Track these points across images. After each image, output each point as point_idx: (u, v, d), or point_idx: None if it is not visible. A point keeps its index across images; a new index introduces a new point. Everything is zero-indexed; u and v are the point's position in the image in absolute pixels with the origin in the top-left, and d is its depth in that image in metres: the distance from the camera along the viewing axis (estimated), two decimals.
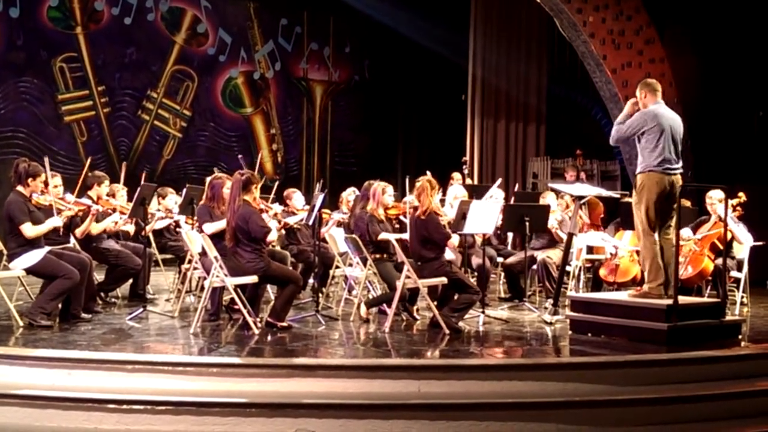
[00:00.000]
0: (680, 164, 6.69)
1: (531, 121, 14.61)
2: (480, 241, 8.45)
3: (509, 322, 7.46)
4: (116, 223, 8.02)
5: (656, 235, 6.76)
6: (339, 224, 8.85)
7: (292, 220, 8.77)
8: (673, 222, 6.70)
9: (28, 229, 6.65)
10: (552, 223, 8.66)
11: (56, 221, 6.77)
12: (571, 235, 7.63)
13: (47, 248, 6.76)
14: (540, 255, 8.59)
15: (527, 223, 8.15)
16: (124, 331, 6.70)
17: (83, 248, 7.55)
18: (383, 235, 7.48)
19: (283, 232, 8.80)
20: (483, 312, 7.53)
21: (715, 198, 8.13)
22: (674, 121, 6.70)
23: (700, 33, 11.90)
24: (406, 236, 7.38)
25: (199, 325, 6.76)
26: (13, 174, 6.86)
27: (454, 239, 7.23)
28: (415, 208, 7.19)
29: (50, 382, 5.20)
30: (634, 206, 6.76)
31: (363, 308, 7.35)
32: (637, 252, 7.61)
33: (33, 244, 6.74)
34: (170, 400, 4.99)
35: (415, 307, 7.55)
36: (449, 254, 8.01)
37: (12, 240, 6.73)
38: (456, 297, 7.08)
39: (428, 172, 7.85)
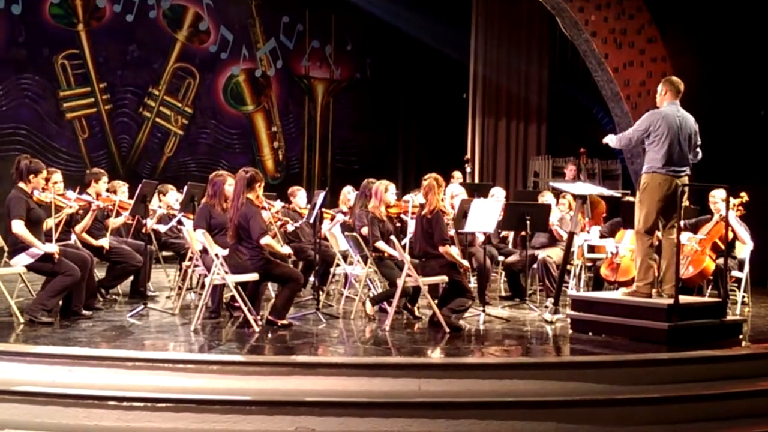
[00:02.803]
0: (687, 167, 6.66)
1: (532, 119, 14.61)
2: (481, 240, 8.46)
3: (510, 321, 7.46)
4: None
5: (659, 234, 6.77)
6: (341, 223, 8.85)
7: (289, 221, 8.78)
8: (676, 222, 6.70)
9: (18, 227, 6.58)
10: (552, 219, 8.65)
11: (51, 248, 6.68)
12: (572, 234, 7.63)
13: (51, 245, 6.74)
14: (540, 254, 8.58)
15: (528, 222, 8.16)
16: (124, 328, 6.70)
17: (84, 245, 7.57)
18: (379, 244, 7.50)
19: (283, 229, 8.80)
20: (483, 311, 7.53)
21: (718, 197, 8.12)
22: (685, 123, 6.64)
23: (701, 32, 11.87)
24: (395, 253, 7.36)
25: (200, 323, 6.77)
26: (14, 171, 6.85)
27: (452, 250, 7.10)
28: (422, 206, 7.19)
29: (51, 379, 5.20)
30: (637, 205, 6.76)
31: (369, 306, 7.36)
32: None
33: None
34: (171, 397, 4.99)
35: (415, 306, 7.55)
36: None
37: (14, 236, 6.71)
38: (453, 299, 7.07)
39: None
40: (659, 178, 6.56)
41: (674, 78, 6.85)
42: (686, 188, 6.68)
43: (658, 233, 6.81)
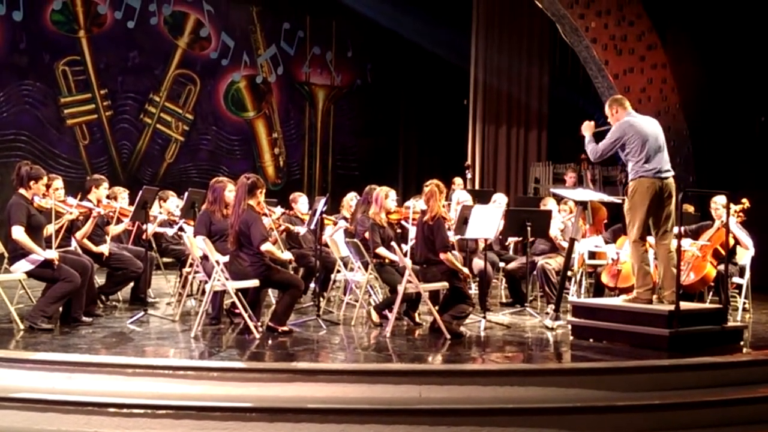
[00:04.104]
0: (669, 167, 6.71)
1: (533, 125, 14.61)
2: (482, 246, 8.45)
3: (511, 328, 7.45)
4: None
5: (651, 239, 6.79)
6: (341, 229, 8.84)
7: (293, 226, 8.79)
8: (669, 227, 6.72)
9: (18, 233, 6.58)
10: (555, 233, 8.65)
11: (51, 254, 6.69)
12: (572, 241, 7.62)
13: (51, 251, 6.74)
14: (540, 261, 8.58)
15: (529, 228, 8.15)
16: (124, 334, 6.69)
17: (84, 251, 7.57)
18: (380, 250, 7.50)
19: (285, 236, 8.80)
20: (484, 317, 7.52)
21: (719, 203, 8.13)
22: (652, 127, 6.75)
23: (701, 38, 11.90)
24: (396, 258, 7.36)
25: (200, 329, 6.76)
26: (15, 177, 6.85)
27: (451, 255, 7.07)
28: (423, 212, 7.19)
29: (50, 386, 5.19)
30: (626, 212, 6.80)
31: (374, 314, 7.35)
32: None
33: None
34: (170, 404, 4.99)
35: (416, 312, 7.54)
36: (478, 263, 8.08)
37: (14, 242, 6.71)
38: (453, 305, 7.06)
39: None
40: (646, 182, 6.61)
41: (616, 96, 7.07)
42: (672, 191, 6.68)
43: (650, 239, 6.82)
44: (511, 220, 8.33)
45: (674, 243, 6.69)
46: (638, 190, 6.64)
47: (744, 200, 8.19)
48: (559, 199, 9.24)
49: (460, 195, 9.10)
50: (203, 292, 7.44)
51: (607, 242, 8.79)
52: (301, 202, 9.25)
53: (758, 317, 8.38)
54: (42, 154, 12.58)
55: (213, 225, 7.32)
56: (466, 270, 7.23)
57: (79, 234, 7.60)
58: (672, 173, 6.72)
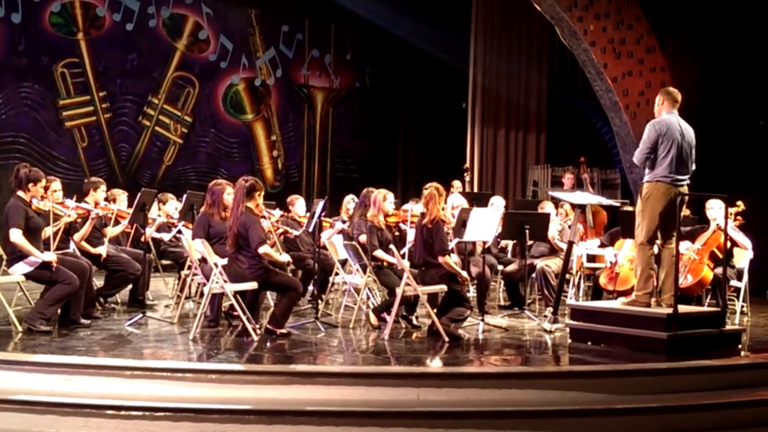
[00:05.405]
0: (688, 176, 6.66)
1: (531, 128, 14.63)
2: (480, 249, 8.45)
3: (509, 331, 7.45)
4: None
5: (658, 243, 6.78)
6: (339, 232, 8.84)
7: (291, 229, 8.79)
8: (676, 232, 6.71)
9: (16, 235, 6.57)
10: (552, 233, 8.66)
11: (50, 257, 6.69)
12: (571, 244, 7.62)
13: (49, 253, 6.74)
14: (539, 263, 8.58)
15: (527, 231, 8.15)
16: (123, 336, 6.69)
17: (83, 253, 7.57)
18: (378, 252, 7.50)
19: (282, 238, 8.80)
20: (482, 320, 7.52)
21: (714, 206, 8.12)
22: (686, 132, 6.64)
23: (700, 42, 11.92)
24: (394, 261, 7.37)
25: (198, 332, 6.76)
26: (13, 179, 6.85)
27: (449, 259, 7.08)
28: (423, 215, 7.19)
29: (49, 388, 5.19)
30: (638, 214, 6.74)
31: (372, 317, 7.35)
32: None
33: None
34: (169, 406, 4.98)
35: (414, 315, 7.55)
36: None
37: (12, 245, 6.71)
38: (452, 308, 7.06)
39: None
40: (663, 187, 6.54)
41: (671, 88, 6.87)
42: (685, 197, 6.68)
43: (658, 242, 6.81)
44: (510, 223, 8.33)
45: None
46: (653, 194, 6.57)
47: (739, 203, 8.18)
48: (557, 203, 9.25)
49: (456, 199, 9.10)
50: (201, 295, 7.44)
51: (603, 246, 8.80)
52: (298, 204, 9.25)
53: (756, 320, 8.39)
54: (40, 156, 12.58)
55: (211, 227, 7.33)
56: (464, 273, 7.24)
57: (77, 236, 7.60)
58: (688, 182, 6.66)
